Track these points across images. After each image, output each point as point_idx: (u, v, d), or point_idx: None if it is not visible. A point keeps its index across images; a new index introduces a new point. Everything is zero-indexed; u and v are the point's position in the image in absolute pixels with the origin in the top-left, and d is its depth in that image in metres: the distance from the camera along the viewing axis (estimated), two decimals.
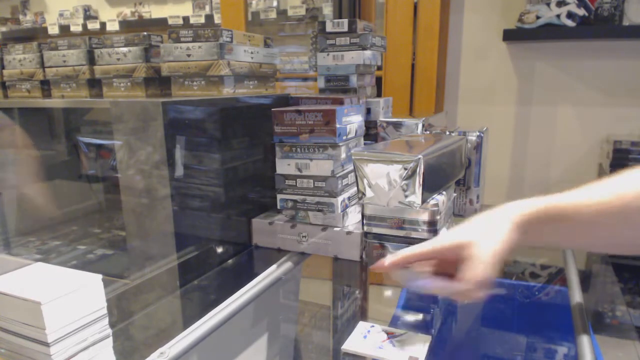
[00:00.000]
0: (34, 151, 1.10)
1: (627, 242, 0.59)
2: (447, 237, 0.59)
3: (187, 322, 0.68)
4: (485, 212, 0.60)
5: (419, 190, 0.73)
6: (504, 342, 0.67)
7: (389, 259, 0.60)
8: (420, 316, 0.76)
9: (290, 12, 2.53)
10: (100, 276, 0.53)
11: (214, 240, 0.92)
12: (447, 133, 1.09)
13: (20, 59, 1.15)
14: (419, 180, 0.73)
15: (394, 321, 0.73)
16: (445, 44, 1.99)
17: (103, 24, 3.29)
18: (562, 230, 0.59)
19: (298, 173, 0.91)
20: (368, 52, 1.14)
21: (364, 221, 0.87)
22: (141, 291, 0.82)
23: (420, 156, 0.72)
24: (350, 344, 0.62)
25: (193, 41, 0.94)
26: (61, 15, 3.45)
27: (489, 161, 1.27)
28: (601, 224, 0.57)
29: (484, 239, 0.55)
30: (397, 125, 1.07)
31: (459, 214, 1.15)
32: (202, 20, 3.00)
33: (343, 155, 0.90)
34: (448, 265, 0.59)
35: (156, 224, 0.81)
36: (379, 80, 1.42)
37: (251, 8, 2.64)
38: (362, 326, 0.67)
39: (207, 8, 3.10)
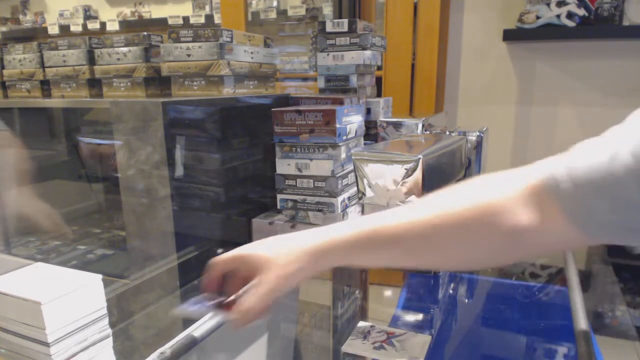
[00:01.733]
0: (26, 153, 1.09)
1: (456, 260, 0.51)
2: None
3: (187, 322, 0.68)
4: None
5: (418, 190, 0.73)
6: (504, 342, 0.67)
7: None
8: (420, 316, 0.76)
9: (290, 12, 2.53)
10: (100, 276, 0.53)
11: (214, 240, 0.92)
12: (447, 133, 1.09)
13: (20, 59, 1.15)
14: (419, 180, 0.73)
15: (394, 321, 0.73)
16: (445, 44, 1.99)
17: (103, 24, 3.28)
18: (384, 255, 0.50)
19: (298, 173, 0.91)
20: (368, 52, 1.14)
21: None
22: (141, 291, 0.82)
23: (420, 156, 0.72)
24: (350, 344, 0.62)
25: (193, 41, 0.94)
26: (61, 15, 3.44)
27: (489, 161, 1.27)
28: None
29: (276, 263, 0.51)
30: (397, 125, 1.07)
31: None
32: (202, 20, 3.00)
33: (343, 155, 0.90)
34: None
35: (156, 224, 0.81)
36: (379, 80, 1.42)
37: (251, 8, 2.64)
38: (362, 326, 0.67)
39: (207, 8, 3.09)
